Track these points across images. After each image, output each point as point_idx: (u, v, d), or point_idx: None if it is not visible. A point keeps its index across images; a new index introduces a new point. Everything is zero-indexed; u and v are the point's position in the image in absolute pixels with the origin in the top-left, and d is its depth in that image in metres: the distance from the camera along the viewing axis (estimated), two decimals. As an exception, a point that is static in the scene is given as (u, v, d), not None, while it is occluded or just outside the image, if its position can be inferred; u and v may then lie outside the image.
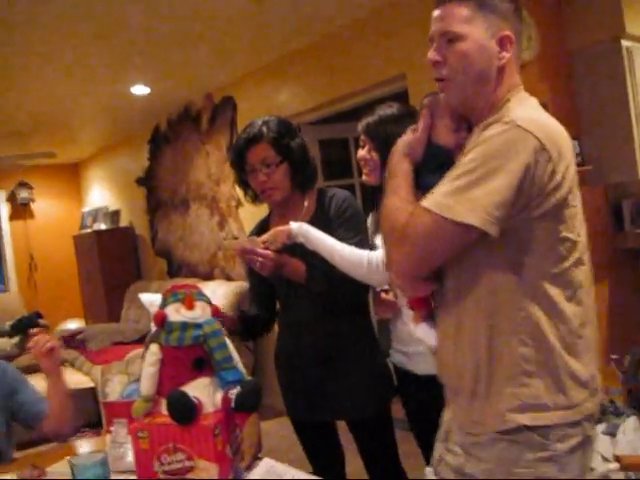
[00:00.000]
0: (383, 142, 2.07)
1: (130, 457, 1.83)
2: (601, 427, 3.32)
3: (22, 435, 2.64)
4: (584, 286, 1.49)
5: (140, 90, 5.57)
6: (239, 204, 5.70)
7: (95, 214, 8.49)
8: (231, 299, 5.24)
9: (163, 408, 1.64)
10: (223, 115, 5.86)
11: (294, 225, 2.16)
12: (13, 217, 8.71)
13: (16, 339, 3.07)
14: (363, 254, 2.11)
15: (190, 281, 5.89)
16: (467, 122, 1.57)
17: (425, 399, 2.00)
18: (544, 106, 1.57)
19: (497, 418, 1.47)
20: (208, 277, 6.31)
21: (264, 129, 2.29)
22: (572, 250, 1.46)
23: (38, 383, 2.63)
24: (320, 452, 2.52)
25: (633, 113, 3.76)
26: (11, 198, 8.67)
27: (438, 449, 1.67)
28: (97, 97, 5.70)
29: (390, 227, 1.49)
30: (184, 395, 1.60)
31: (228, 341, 1.71)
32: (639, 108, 3.78)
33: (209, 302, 1.75)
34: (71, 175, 9.35)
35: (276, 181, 2.30)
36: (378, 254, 2.08)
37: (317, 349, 2.32)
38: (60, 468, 1.97)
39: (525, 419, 1.44)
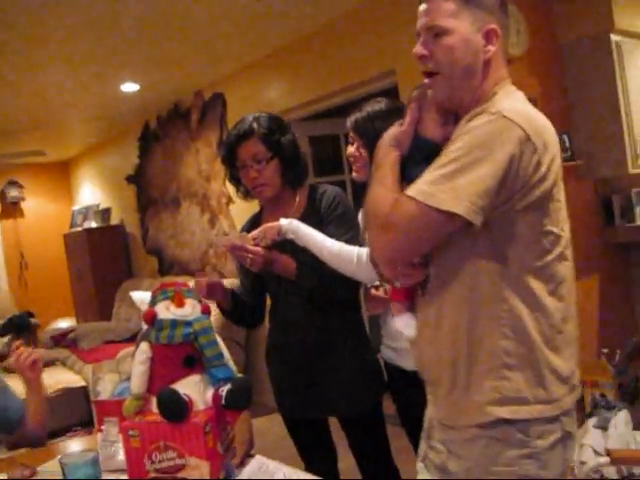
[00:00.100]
0: (372, 138, 2.06)
1: (121, 456, 1.82)
2: (592, 421, 3.34)
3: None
4: (567, 281, 1.49)
5: (130, 87, 5.56)
6: (230, 201, 5.69)
7: (85, 212, 8.46)
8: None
9: (154, 406, 1.63)
10: (213, 112, 5.84)
11: (284, 221, 2.16)
12: (3, 216, 8.69)
13: (7, 338, 3.06)
14: (353, 250, 2.11)
15: (181, 279, 5.87)
16: (455, 116, 1.57)
17: (415, 395, 1.99)
18: (534, 101, 1.57)
19: (476, 411, 1.47)
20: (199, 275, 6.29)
21: (255, 125, 2.29)
22: (555, 244, 1.46)
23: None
24: (312, 449, 2.52)
25: (622, 107, 3.77)
26: (1, 197, 8.65)
27: (422, 447, 1.67)
28: (86, 95, 5.67)
29: (374, 215, 1.48)
30: (174, 393, 1.59)
31: (219, 338, 1.70)
32: (628, 102, 3.79)
33: (199, 299, 1.74)
34: (61, 173, 9.32)
35: (267, 177, 2.30)
36: (368, 250, 2.07)
37: (308, 345, 2.32)
38: (51, 467, 1.96)
39: (504, 412, 1.44)
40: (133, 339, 6.24)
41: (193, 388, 1.63)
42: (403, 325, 1.68)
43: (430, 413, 1.64)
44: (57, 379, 5.56)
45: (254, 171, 2.29)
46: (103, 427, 1.96)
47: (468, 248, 1.45)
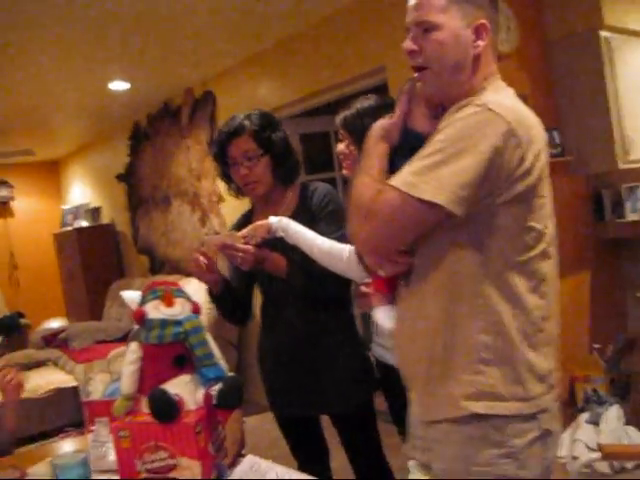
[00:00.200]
0: (361, 135, 2.05)
1: (112, 456, 1.81)
2: (584, 416, 3.35)
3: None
4: (549, 279, 1.49)
5: (119, 86, 5.52)
6: (220, 199, 5.67)
7: (76, 211, 8.42)
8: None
9: (144, 406, 1.62)
10: (203, 110, 5.82)
11: (274, 219, 2.15)
12: (-7, 216, 8.64)
13: (-1, 339, 3.10)
14: (343, 248, 2.10)
15: (173, 278, 5.86)
16: (443, 109, 1.57)
17: (406, 392, 1.99)
18: (524, 97, 1.57)
19: (451, 405, 1.46)
20: (191, 273, 6.27)
21: (246, 122, 2.29)
22: (538, 240, 1.45)
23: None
24: (304, 447, 2.52)
25: (612, 103, 3.78)
26: (-10, 197, 8.60)
27: (406, 446, 1.67)
28: (76, 94, 5.64)
29: (357, 204, 1.48)
30: (165, 393, 1.58)
31: (209, 337, 1.69)
32: (618, 98, 3.80)
33: (189, 299, 1.74)
34: (51, 173, 9.28)
35: (258, 174, 2.30)
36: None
37: (299, 343, 2.32)
38: (42, 469, 1.95)
39: (479, 407, 1.43)
40: (124, 339, 6.23)
41: (184, 388, 1.63)
42: (382, 316, 1.68)
43: (410, 410, 1.64)
44: (48, 380, 5.54)
45: (245, 168, 2.29)
46: (93, 428, 1.96)
47: (450, 239, 1.45)
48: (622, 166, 3.81)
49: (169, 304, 1.67)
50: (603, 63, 3.76)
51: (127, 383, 1.64)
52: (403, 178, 1.39)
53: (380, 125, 1.61)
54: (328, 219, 2.28)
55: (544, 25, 3.96)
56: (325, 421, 2.47)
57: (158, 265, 7.04)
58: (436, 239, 1.46)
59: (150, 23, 4.09)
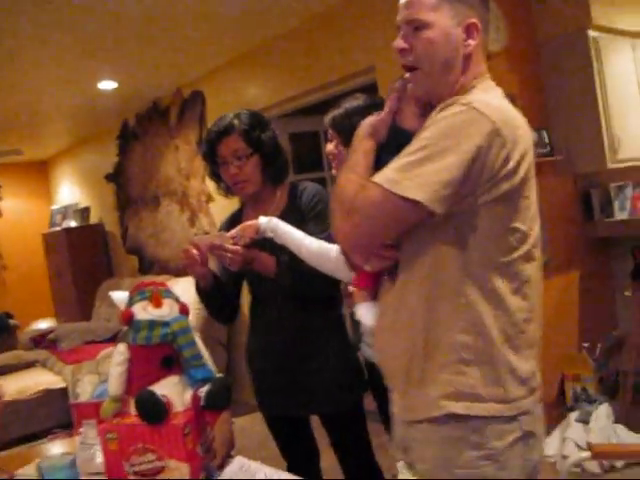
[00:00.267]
0: (350, 135, 2.05)
1: (100, 458, 1.80)
2: (574, 414, 3.36)
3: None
4: (532, 281, 1.48)
5: (107, 85, 5.50)
6: (209, 199, 5.66)
7: (64, 211, 8.38)
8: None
9: (132, 408, 1.61)
10: (192, 110, 5.80)
11: (262, 219, 2.15)
12: (-19, 216, 8.58)
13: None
14: (332, 248, 2.09)
15: (162, 278, 5.84)
16: (433, 108, 1.57)
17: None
18: (513, 97, 1.57)
19: (430, 404, 1.45)
20: (180, 274, 6.24)
21: (235, 121, 2.29)
22: (522, 242, 1.44)
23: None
24: (294, 447, 2.51)
25: (601, 103, 3.79)
26: (-22, 197, 8.54)
27: (392, 446, 1.67)
28: (64, 93, 5.61)
29: (340, 200, 1.47)
30: (153, 394, 1.57)
31: (197, 338, 1.69)
32: (606, 98, 3.81)
33: (177, 299, 1.73)
34: (39, 172, 9.23)
35: (247, 174, 2.29)
36: None
37: (288, 344, 2.31)
38: (29, 471, 1.93)
39: (458, 408, 1.42)
40: (114, 339, 6.19)
41: (172, 389, 1.62)
42: (364, 312, 1.67)
43: (391, 409, 1.63)
44: (37, 381, 5.50)
45: (234, 167, 2.28)
46: (81, 430, 1.94)
47: (432, 237, 1.44)
48: (611, 165, 3.82)
49: (157, 305, 1.66)
50: (592, 63, 3.78)
51: (115, 385, 1.63)
52: (386, 175, 1.39)
53: (368, 122, 1.61)
54: (317, 219, 2.27)
55: (533, 25, 3.97)
56: (315, 421, 2.46)
57: (147, 265, 7.02)
58: (419, 236, 1.45)
59: (139, 23, 4.08)
